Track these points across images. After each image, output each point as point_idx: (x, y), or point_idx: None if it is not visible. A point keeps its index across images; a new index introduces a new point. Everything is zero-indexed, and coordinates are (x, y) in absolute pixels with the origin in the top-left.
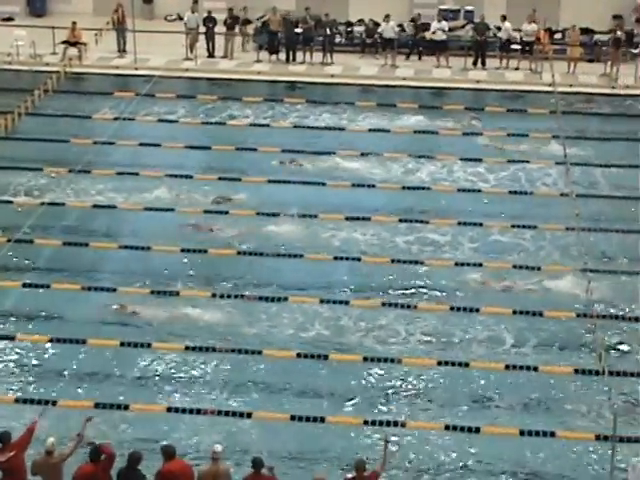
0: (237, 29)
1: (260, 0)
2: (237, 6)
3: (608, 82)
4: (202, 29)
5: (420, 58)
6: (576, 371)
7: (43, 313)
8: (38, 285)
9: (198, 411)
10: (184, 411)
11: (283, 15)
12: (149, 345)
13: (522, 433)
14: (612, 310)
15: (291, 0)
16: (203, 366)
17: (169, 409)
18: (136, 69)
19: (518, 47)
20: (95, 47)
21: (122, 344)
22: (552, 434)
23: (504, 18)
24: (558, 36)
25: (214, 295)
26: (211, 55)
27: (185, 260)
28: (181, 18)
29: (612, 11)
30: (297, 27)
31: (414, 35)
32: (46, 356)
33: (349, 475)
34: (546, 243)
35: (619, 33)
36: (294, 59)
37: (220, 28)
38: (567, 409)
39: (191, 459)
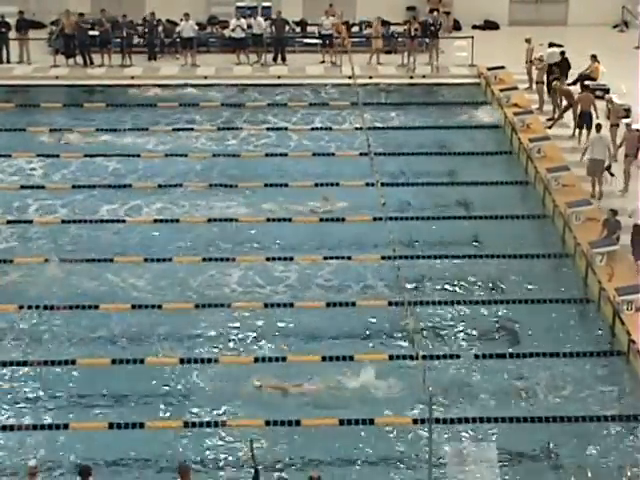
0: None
1: (54, 3)
2: (29, 10)
3: (406, 72)
4: None
5: None
6: (391, 357)
7: None
8: None
9: (12, 427)
10: None
11: (77, 18)
12: None
13: (342, 422)
14: (422, 295)
15: (86, 2)
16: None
17: None
18: None
19: (318, 41)
20: None
21: None
22: (371, 421)
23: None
24: (356, 29)
25: (21, 307)
26: (6, 61)
27: None
28: None
29: (406, 3)
30: (93, 29)
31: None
32: None
33: None
34: (356, 232)
35: (414, 24)
36: (91, 62)
37: (13, 33)
38: (385, 395)
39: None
